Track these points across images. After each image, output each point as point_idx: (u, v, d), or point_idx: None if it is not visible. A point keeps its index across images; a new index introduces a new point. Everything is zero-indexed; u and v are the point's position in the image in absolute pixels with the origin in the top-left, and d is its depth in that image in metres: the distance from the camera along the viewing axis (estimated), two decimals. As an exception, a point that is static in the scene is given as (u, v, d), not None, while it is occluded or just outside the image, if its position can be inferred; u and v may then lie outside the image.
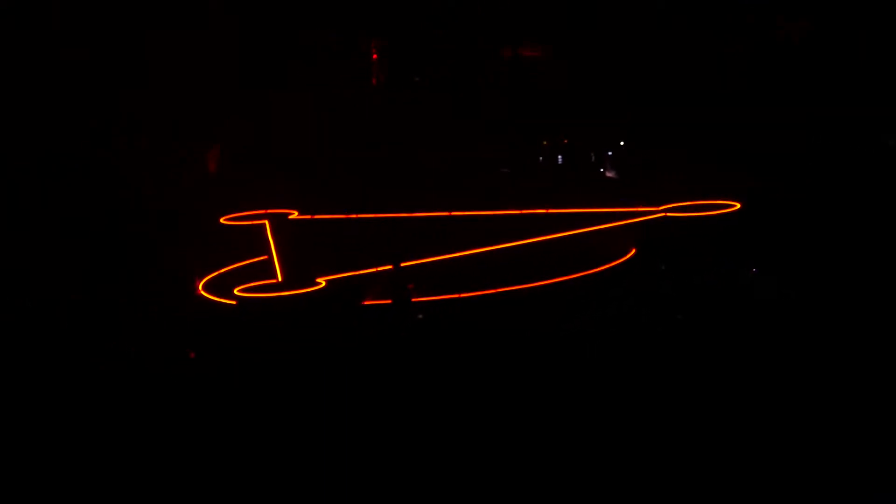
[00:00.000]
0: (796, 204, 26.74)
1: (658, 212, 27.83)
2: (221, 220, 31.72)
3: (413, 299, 20.52)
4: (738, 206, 27.33)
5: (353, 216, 29.66)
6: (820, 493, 12.11)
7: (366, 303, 20.97)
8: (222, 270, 24.55)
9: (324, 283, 22.67)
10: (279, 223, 30.58)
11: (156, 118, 34.42)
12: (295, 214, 31.96)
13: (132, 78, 33.38)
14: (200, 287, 23.17)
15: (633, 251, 23.83)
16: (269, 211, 32.32)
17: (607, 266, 22.86)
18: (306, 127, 34.88)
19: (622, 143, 33.55)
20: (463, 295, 21.21)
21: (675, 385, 15.56)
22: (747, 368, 15.95)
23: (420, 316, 20.01)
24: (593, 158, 33.68)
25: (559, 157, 35.11)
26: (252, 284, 22.97)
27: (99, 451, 14.66)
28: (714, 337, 17.61)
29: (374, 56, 37.65)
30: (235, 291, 22.47)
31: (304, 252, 26.64)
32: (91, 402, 16.71)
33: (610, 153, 33.38)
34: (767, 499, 12.12)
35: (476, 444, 13.97)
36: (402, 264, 21.03)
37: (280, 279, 23.76)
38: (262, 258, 25.74)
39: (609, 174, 32.46)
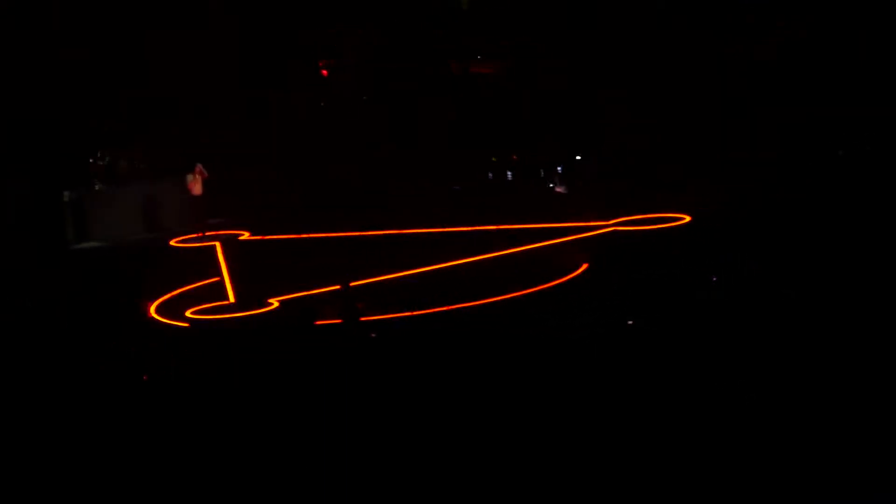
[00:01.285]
0: (790, 205, 26.90)
1: (609, 226, 27.99)
2: (172, 243, 31.65)
3: (364, 318, 20.47)
4: (689, 219, 27.54)
5: (304, 236, 29.63)
6: (819, 493, 12.15)
7: (319, 322, 20.91)
8: (174, 293, 24.41)
9: (277, 304, 22.60)
10: (230, 244, 30.51)
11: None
12: (246, 235, 31.90)
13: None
14: (152, 310, 23.02)
15: (586, 265, 23.90)
16: (220, 233, 32.27)
17: (560, 281, 22.90)
18: (262, 149, 34.94)
19: (578, 158, 33.70)
20: (415, 313, 21.19)
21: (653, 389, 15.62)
22: (743, 367, 16.00)
23: (373, 335, 19.96)
24: (542, 174, 33.84)
25: (508, 173, 35.26)
26: (205, 306, 22.85)
27: (98, 450, 14.59)
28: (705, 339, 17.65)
29: (324, 74, 37.69)
30: (188, 314, 22.34)
31: (256, 273, 26.58)
32: (91, 401, 16.62)
33: (559, 168, 33.53)
34: (767, 499, 12.16)
35: (432, 459, 13.96)
36: (352, 283, 20.99)
37: (232, 300, 23.65)
38: (214, 280, 25.64)
39: (559, 189, 32.64)
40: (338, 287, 20.80)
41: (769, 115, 32.74)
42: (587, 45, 34.76)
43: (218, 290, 24.52)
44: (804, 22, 34.63)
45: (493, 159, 35.45)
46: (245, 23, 36.02)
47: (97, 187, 32.62)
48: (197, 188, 30.81)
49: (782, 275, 20.65)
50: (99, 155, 33.04)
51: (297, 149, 35.52)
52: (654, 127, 33.29)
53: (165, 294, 24.19)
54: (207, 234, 31.10)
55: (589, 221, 28.28)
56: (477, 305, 21.44)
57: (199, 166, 30.64)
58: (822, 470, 12.49)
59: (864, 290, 19.33)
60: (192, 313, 22.37)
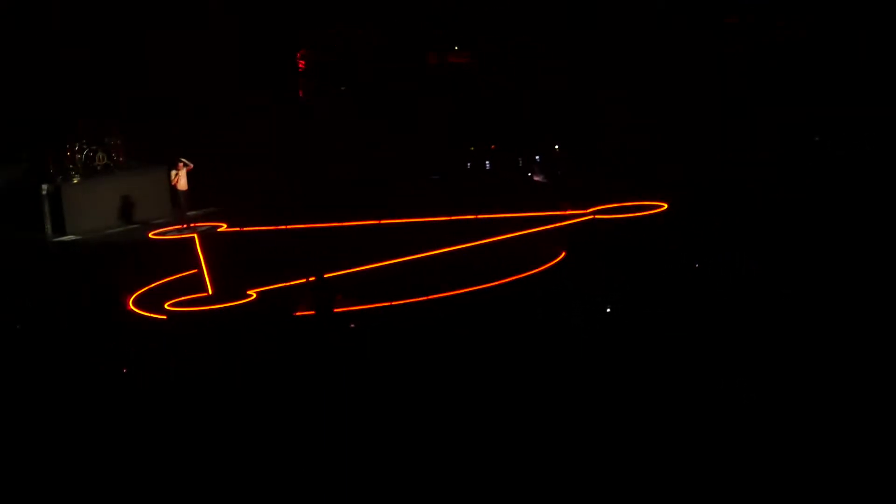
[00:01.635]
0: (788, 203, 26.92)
1: (586, 214, 28.03)
2: (150, 235, 31.57)
3: (340, 309, 20.46)
4: (666, 206, 27.59)
5: (281, 227, 29.58)
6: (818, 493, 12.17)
7: (297, 314, 20.90)
8: (152, 285, 24.36)
9: (255, 296, 22.59)
10: (209, 237, 30.47)
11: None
12: (224, 227, 31.84)
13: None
14: (130, 302, 22.98)
15: (563, 254, 23.94)
16: (198, 224, 32.21)
17: (538, 269, 22.94)
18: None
19: (556, 147, 33.68)
20: (394, 303, 21.20)
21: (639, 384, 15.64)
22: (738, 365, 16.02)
23: (352, 325, 19.96)
24: (521, 163, 33.83)
25: (486, 162, 35.24)
26: (183, 298, 22.82)
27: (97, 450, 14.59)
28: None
29: (302, 65, 37.60)
30: (166, 306, 22.31)
31: (234, 264, 26.55)
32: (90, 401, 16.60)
33: (538, 157, 33.53)
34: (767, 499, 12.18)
35: (411, 450, 13.98)
36: (328, 274, 20.96)
37: (210, 292, 23.62)
38: (192, 272, 25.60)
39: (537, 178, 32.64)
40: (311, 279, 20.78)
41: (769, 115, 32.71)
42: (587, 44, 34.73)
43: (196, 283, 24.49)
44: (804, 22, 34.66)
45: (472, 148, 35.41)
46: (245, 22, 35.97)
47: (75, 180, 32.45)
48: (182, 182, 30.61)
49: (782, 274, 20.57)
50: (77, 147, 32.85)
51: (291, 145, 35.36)
52: (653, 126, 33.18)
53: (143, 287, 24.15)
54: (190, 226, 31.05)
55: (567, 210, 28.34)
56: (455, 295, 21.46)
57: (181, 160, 30.44)
58: (820, 471, 12.52)
59: (862, 289, 19.33)
60: (170, 305, 22.34)
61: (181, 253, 28.26)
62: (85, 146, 33.05)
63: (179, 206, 31.06)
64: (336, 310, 20.27)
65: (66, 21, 33.97)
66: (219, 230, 31.37)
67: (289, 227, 29.30)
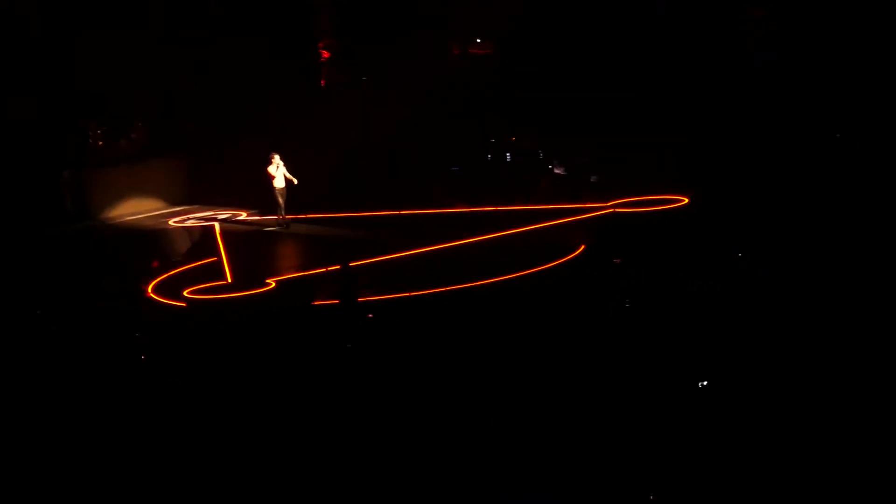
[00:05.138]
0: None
1: (607, 208, 27.97)
2: (170, 223, 31.67)
3: (362, 298, 20.45)
4: (686, 200, 27.52)
5: (302, 216, 29.59)
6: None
7: (316, 303, 20.91)
8: (172, 272, 24.42)
9: (273, 284, 22.61)
10: (228, 225, 30.53)
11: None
12: (244, 216, 31.91)
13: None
14: (150, 289, 23.02)
15: (583, 247, 23.89)
16: (219, 212, 32.28)
17: (557, 262, 22.89)
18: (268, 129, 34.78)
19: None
20: (413, 294, 21.17)
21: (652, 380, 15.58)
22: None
23: (370, 315, 19.94)
24: (541, 155, 33.77)
25: (507, 154, 35.21)
26: (202, 286, 22.85)
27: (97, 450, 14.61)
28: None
29: (325, 56, 37.57)
30: (185, 293, 22.35)
31: (254, 253, 26.61)
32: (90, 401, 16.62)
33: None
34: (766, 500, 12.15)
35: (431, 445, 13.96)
36: (351, 264, 20.96)
37: (229, 280, 23.65)
38: (211, 260, 25.66)
39: (558, 171, 32.57)
40: (336, 267, 20.76)
41: (792, 112, 32.51)
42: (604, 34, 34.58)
43: (216, 270, 24.54)
44: (806, 21, 34.46)
45: (492, 140, 35.37)
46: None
47: (96, 166, 32.56)
48: (279, 179, 29.55)
49: (791, 280, 20.35)
50: (99, 132, 32.93)
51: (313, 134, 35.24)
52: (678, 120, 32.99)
53: (163, 274, 24.21)
54: (207, 215, 31.06)
55: (587, 203, 28.31)
56: (474, 287, 21.42)
57: (273, 154, 29.36)
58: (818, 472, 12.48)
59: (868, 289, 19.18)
60: (189, 293, 22.37)
61: (201, 240, 28.40)
62: (107, 132, 33.15)
63: (279, 206, 29.15)
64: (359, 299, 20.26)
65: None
66: (238, 218, 31.48)
67: (308, 215, 29.30)
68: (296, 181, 28.68)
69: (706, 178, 29.19)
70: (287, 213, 29.09)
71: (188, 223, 31.39)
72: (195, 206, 33.46)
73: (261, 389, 16.15)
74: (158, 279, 23.75)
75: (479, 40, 38.15)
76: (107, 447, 14.38)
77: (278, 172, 28.50)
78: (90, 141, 33.55)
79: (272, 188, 28.66)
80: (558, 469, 12.89)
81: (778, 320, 17.38)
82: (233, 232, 29.44)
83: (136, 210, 33.31)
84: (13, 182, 30.50)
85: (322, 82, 37.53)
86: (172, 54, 33.96)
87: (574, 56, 34.52)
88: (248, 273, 23.85)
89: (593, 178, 32.04)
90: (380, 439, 13.89)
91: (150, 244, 28.54)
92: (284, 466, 13.51)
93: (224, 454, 13.94)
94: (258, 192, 30.96)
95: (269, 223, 29.97)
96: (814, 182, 27.90)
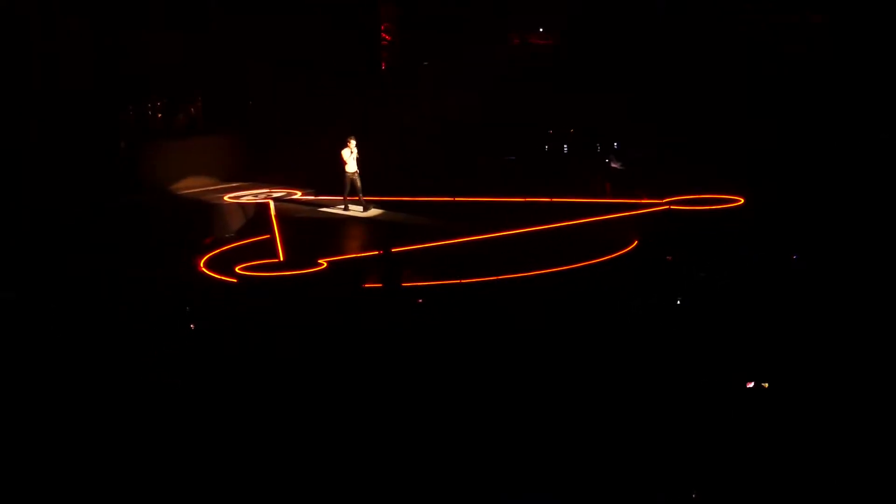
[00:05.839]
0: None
1: (662, 204, 27.81)
2: (225, 199, 31.82)
3: (406, 284, 20.43)
4: (742, 200, 27.31)
5: (357, 198, 29.58)
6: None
7: (367, 285, 20.94)
8: (224, 248, 24.53)
9: (325, 265, 22.65)
10: (282, 203, 30.63)
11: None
12: (299, 195, 32.01)
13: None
14: (202, 264, 23.13)
15: (636, 242, 23.76)
16: (274, 190, 32.40)
17: (609, 257, 22.78)
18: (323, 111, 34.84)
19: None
20: (461, 281, 21.13)
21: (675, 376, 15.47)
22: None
23: (420, 300, 19.92)
24: (599, 149, 33.63)
25: (564, 146, 35.10)
26: (254, 263, 22.92)
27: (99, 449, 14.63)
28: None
29: (387, 40, 37.57)
30: (237, 269, 22.43)
31: (308, 232, 26.68)
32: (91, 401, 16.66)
33: (616, 144, 33.30)
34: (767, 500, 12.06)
35: (470, 437, 13.90)
36: (394, 249, 20.92)
37: (281, 259, 23.73)
38: (264, 237, 25.76)
39: (615, 165, 32.41)
40: (380, 252, 20.80)
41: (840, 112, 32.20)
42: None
43: (268, 248, 24.63)
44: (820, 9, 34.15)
45: (550, 132, 35.27)
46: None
47: (152, 139, 32.76)
48: (351, 164, 28.83)
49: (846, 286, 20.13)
50: (158, 105, 33.12)
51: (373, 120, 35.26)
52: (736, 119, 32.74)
53: (216, 249, 24.34)
54: (262, 192, 31.13)
55: (642, 198, 28.17)
56: (522, 277, 21.34)
57: (350, 138, 29.21)
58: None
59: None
60: (240, 269, 22.46)
61: (255, 217, 28.52)
62: (166, 106, 33.34)
63: (356, 189, 28.76)
64: (404, 284, 20.26)
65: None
66: (293, 197, 31.58)
67: (366, 198, 29.28)
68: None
69: (763, 178, 28.98)
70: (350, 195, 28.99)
71: (243, 199, 31.52)
72: (250, 183, 33.58)
73: (275, 383, 16.04)
74: (211, 254, 23.88)
75: (541, 30, 38.07)
76: (115, 438, 14.37)
77: (351, 157, 28.45)
78: (149, 113, 33.77)
79: (343, 171, 28.62)
80: (558, 469, 12.85)
81: (832, 325, 17.29)
82: (287, 210, 29.53)
83: (191, 185, 33.48)
84: (70, 152, 30.74)
85: (383, 65, 37.55)
86: (237, 28, 34.15)
87: (633, 52, 34.46)
88: (301, 252, 23.91)
89: (616, 165, 31.93)
90: (380, 439, 13.84)
91: (204, 219, 28.69)
92: (284, 466, 13.46)
93: (229, 453, 13.88)
94: (315, 172, 31.07)
95: (328, 203, 30.04)
96: (866, 183, 27.68)
